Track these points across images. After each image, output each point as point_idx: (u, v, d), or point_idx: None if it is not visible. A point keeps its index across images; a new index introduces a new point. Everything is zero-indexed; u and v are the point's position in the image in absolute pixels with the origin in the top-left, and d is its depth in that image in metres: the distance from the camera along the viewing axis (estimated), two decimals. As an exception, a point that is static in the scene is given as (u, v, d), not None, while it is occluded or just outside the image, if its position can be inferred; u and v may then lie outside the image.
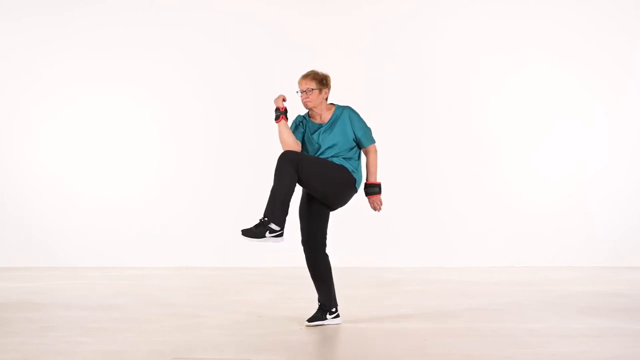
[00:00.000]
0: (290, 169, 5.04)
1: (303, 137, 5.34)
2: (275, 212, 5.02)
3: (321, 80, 5.29)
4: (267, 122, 8.79)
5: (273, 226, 5.03)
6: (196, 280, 7.77)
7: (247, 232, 5.06)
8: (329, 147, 5.26)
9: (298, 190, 5.24)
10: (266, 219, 5.03)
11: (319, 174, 5.14)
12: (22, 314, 5.82)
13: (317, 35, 9.01)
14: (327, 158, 5.25)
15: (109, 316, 5.74)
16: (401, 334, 5.07)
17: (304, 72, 5.32)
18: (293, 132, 5.32)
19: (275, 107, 5.28)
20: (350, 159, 5.29)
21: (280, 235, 5.04)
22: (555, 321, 5.52)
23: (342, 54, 9.03)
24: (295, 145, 5.26)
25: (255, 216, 8.95)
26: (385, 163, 8.93)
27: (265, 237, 5.04)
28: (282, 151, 5.17)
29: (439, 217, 9.02)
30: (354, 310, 5.76)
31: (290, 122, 5.34)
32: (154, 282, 7.63)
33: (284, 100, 5.31)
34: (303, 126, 5.36)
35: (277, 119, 5.24)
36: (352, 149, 5.29)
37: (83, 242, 9.08)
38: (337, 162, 5.25)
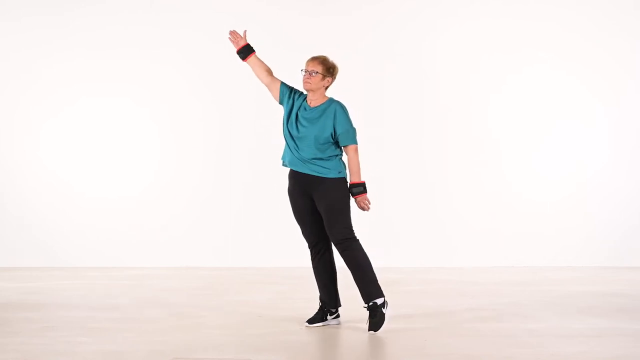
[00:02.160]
0: (356, 245, 5.25)
1: (287, 101, 5.33)
2: (374, 289, 5.20)
3: (328, 68, 5.27)
4: (267, 122, 8.82)
5: (380, 301, 5.18)
6: (196, 280, 7.77)
7: (376, 327, 5.15)
8: (305, 142, 5.20)
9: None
10: (371, 303, 5.19)
11: (344, 213, 5.23)
12: (22, 314, 5.82)
13: (317, 35, 9.00)
14: (307, 161, 5.22)
15: (109, 316, 5.74)
16: (401, 334, 5.08)
17: (316, 54, 5.34)
18: (286, 87, 5.36)
19: (236, 51, 5.42)
20: (328, 159, 5.22)
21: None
22: (555, 321, 5.52)
23: (342, 54, 8.99)
24: (269, 78, 5.37)
25: (255, 216, 9.00)
26: (386, 163, 8.99)
27: (385, 313, 5.18)
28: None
29: (439, 217, 9.02)
30: (354, 310, 5.75)
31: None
32: (154, 282, 7.63)
33: (232, 39, 5.41)
34: (294, 97, 5.32)
35: (244, 59, 5.42)
36: (328, 145, 5.21)
37: (83, 242, 9.08)
38: (321, 175, 5.21)
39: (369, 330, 5.13)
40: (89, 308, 6.13)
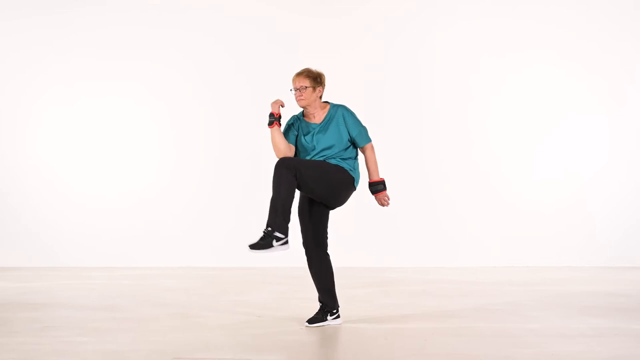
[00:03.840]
0: (288, 175, 5.03)
1: (296, 139, 5.34)
2: (278, 220, 5.01)
3: (315, 78, 5.28)
4: (266, 122, 8.81)
5: (278, 234, 5.01)
6: (196, 280, 7.77)
7: (254, 246, 5.01)
8: (325, 149, 5.25)
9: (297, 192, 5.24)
10: (270, 229, 5.02)
11: (318, 177, 5.14)
12: (22, 314, 5.82)
13: (317, 36, 9.01)
14: (324, 159, 5.26)
15: (109, 316, 5.74)
16: (401, 334, 5.08)
17: (298, 69, 5.34)
18: (286, 134, 5.34)
19: (270, 112, 5.27)
20: (347, 159, 5.28)
21: (286, 242, 5.04)
22: (555, 321, 5.52)
23: (342, 55, 9.04)
24: (288, 151, 5.28)
25: (254, 216, 8.99)
26: (386, 163, 8.93)
27: (273, 246, 5.01)
28: (277, 159, 5.16)
29: (439, 217, 9.02)
30: (354, 310, 5.76)
31: (284, 122, 5.36)
32: (154, 282, 7.64)
33: (281, 106, 5.31)
34: (296, 128, 5.35)
35: (270, 124, 5.24)
36: (347, 148, 5.29)
37: (83, 242, 9.08)
38: (334, 163, 5.25)
39: (248, 245, 5.02)
40: (89, 308, 6.13)
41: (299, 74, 5.28)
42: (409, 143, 9.06)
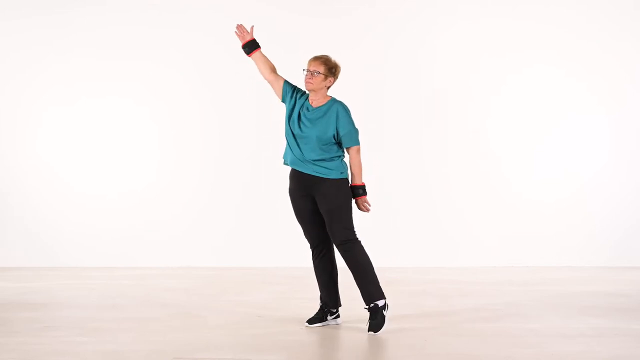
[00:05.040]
0: (357, 246, 5.26)
1: (289, 100, 5.31)
2: (374, 290, 5.19)
3: (331, 68, 5.26)
4: (267, 122, 8.82)
5: (381, 302, 5.18)
6: (196, 280, 7.77)
7: (376, 328, 5.15)
8: (308, 142, 5.19)
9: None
10: (372, 304, 5.18)
11: (334, 220, 5.21)
12: (22, 314, 5.83)
13: (317, 36, 8.99)
14: (309, 162, 5.21)
15: (109, 316, 5.75)
16: (401, 334, 5.08)
17: (318, 54, 5.34)
18: (288, 85, 5.35)
19: (241, 45, 5.42)
20: (331, 160, 5.22)
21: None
22: (555, 321, 5.52)
23: (342, 54, 8.99)
24: (272, 75, 5.37)
25: (255, 216, 9.00)
26: (386, 163, 8.99)
27: (385, 315, 5.20)
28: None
29: (439, 217, 9.02)
30: (354, 310, 5.75)
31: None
32: (154, 282, 7.64)
33: (238, 31, 5.43)
34: (297, 95, 5.30)
35: (248, 54, 5.42)
36: (330, 146, 5.19)
37: (83, 242, 9.07)
38: (323, 176, 5.20)
39: (368, 331, 5.13)
40: (89, 308, 6.13)
41: (316, 58, 5.26)
42: (408, 143, 9.05)
